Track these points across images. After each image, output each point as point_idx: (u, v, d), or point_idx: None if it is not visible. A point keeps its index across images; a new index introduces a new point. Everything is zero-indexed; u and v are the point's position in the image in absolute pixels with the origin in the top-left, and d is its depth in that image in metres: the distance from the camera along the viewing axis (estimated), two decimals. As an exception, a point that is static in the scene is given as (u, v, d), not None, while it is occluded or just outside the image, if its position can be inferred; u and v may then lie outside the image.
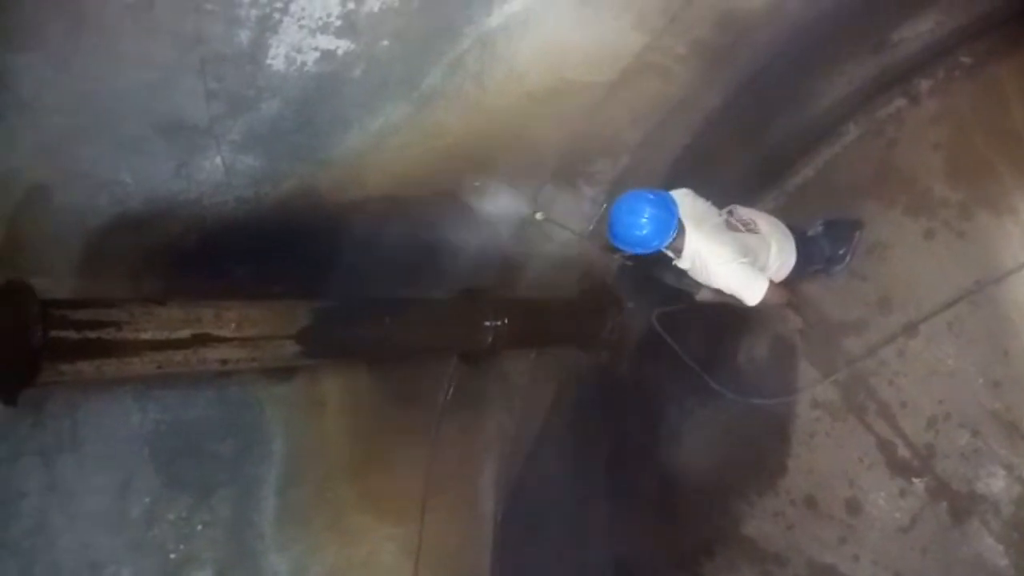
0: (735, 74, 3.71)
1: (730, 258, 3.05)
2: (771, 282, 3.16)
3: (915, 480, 4.10)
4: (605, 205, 3.48)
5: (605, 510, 4.91)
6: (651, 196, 2.92)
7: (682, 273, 3.24)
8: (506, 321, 3.65)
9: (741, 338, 4.62)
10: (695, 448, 4.77)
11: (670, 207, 2.92)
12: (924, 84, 4.16)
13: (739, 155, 4.29)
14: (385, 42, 2.66)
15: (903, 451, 4.12)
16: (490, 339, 3.64)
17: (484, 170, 3.52)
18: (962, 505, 3.96)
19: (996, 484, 3.88)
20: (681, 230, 3.00)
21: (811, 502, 4.38)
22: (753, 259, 3.18)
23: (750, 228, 3.40)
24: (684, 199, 3.20)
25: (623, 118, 3.73)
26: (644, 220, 2.86)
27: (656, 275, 3.41)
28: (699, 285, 3.25)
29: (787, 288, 3.38)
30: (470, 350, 3.73)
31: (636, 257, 3.24)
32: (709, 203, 3.32)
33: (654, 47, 3.28)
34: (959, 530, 3.97)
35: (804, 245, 3.78)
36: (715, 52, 3.49)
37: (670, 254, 3.10)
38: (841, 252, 4.20)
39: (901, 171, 4.22)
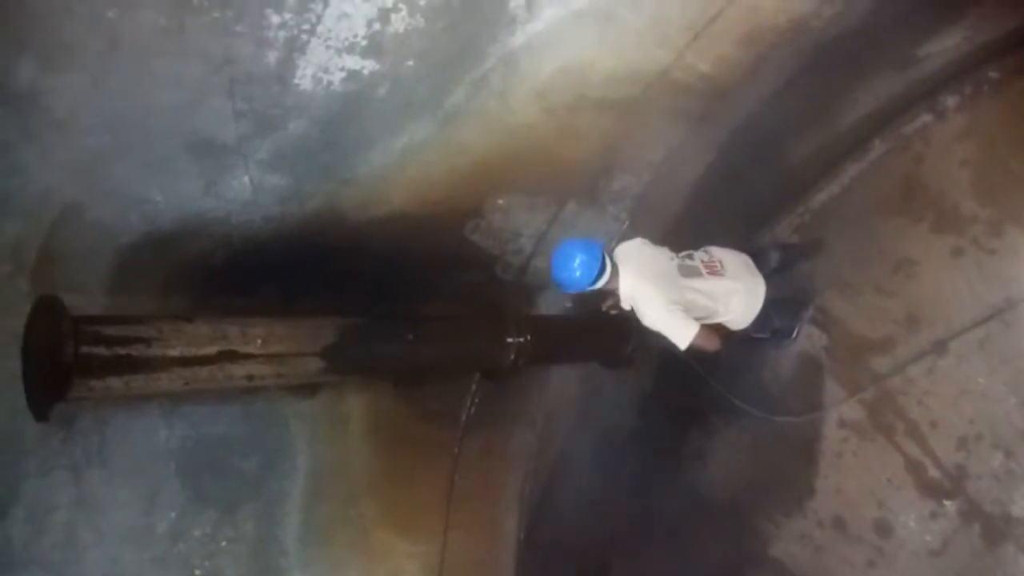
0: (759, 91, 3.70)
1: (658, 304, 3.28)
2: (703, 328, 3.33)
3: (946, 502, 4.01)
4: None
5: (629, 530, 4.86)
6: (580, 244, 3.27)
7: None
8: (529, 338, 3.64)
9: (766, 356, 4.57)
10: (720, 467, 4.71)
11: (596, 253, 3.25)
12: (951, 100, 4.12)
13: (763, 172, 4.27)
14: (410, 62, 2.69)
15: (933, 472, 4.04)
16: (513, 356, 3.63)
17: (507, 188, 3.53)
18: (996, 528, 3.87)
19: (1031, 507, 3.80)
20: (615, 271, 3.30)
21: (839, 523, 4.31)
22: (690, 306, 3.35)
23: (714, 270, 3.54)
24: (631, 247, 3.48)
25: (646, 136, 3.73)
26: (576, 264, 3.22)
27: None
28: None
29: (722, 338, 3.50)
30: (493, 367, 3.72)
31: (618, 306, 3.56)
32: (663, 249, 3.53)
33: (677, 64, 3.28)
34: (993, 554, 3.87)
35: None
36: (738, 69, 3.49)
37: (617, 294, 3.38)
38: (792, 325, 4.37)
39: (928, 187, 4.17)
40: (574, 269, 3.21)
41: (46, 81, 2.16)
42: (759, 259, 3.78)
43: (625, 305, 3.38)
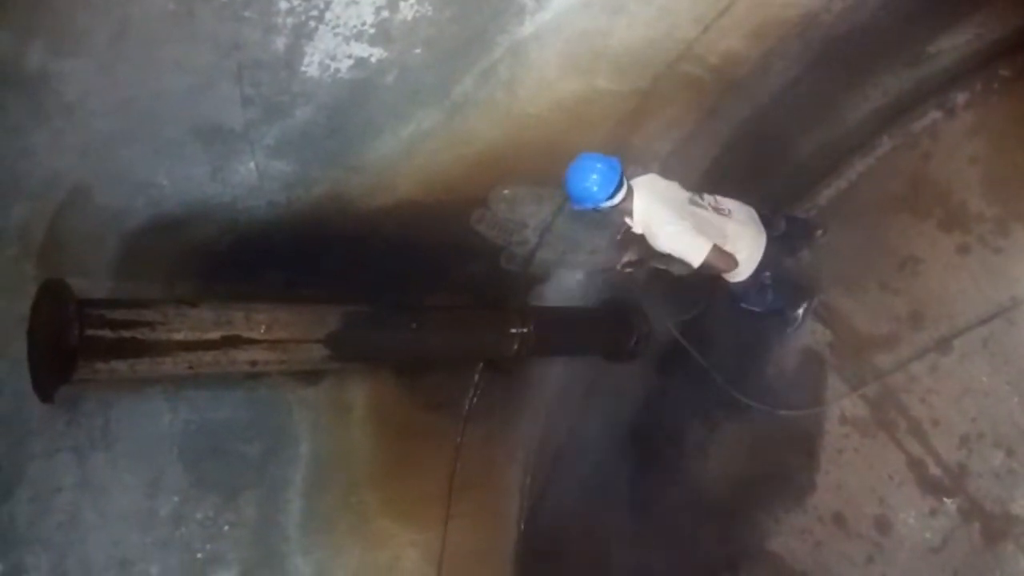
0: (767, 84, 3.69)
1: (671, 219, 3.26)
2: (716, 247, 3.32)
3: (947, 500, 4.01)
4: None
5: (629, 522, 4.87)
6: (600, 157, 3.19)
7: (661, 256, 3.46)
8: (532, 328, 3.65)
9: (770, 351, 4.57)
10: (721, 461, 4.72)
11: (615, 166, 3.18)
12: (961, 97, 4.09)
13: (771, 166, 4.26)
14: (418, 50, 2.68)
15: (934, 469, 4.04)
16: (516, 346, 3.64)
17: (513, 178, 3.53)
18: (996, 527, 3.87)
19: (1031, 506, 3.79)
20: (630, 193, 3.25)
21: (839, 519, 4.31)
22: (702, 228, 3.35)
23: (721, 212, 3.54)
24: (644, 177, 3.45)
25: (654, 127, 3.73)
26: (594, 177, 3.14)
27: (653, 266, 3.66)
28: (673, 260, 3.43)
29: (732, 258, 3.48)
30: (496, 357, 3.73)
31: (635, 263, 3.62)
32: (676, 184, 3.52)
33: (686, 56, 3.27)
34: (992, 553, 3.87)
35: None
36: (747, 63, 3.48)
37: (628, 221, 3.34)
38: (795, 313, 4.34)
39: (935, 184, 4.15)
40: (592, 182, 3.13)
41: (56, 65, 2.17)
42: (767, 224, 3.77)
43: (637, 229, 3.33)
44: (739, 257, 3.54)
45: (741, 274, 3.62)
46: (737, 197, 3.71)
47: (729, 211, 3.58)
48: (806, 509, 4.41)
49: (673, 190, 3.45)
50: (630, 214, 3.30)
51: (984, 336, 3.94)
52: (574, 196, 3.22)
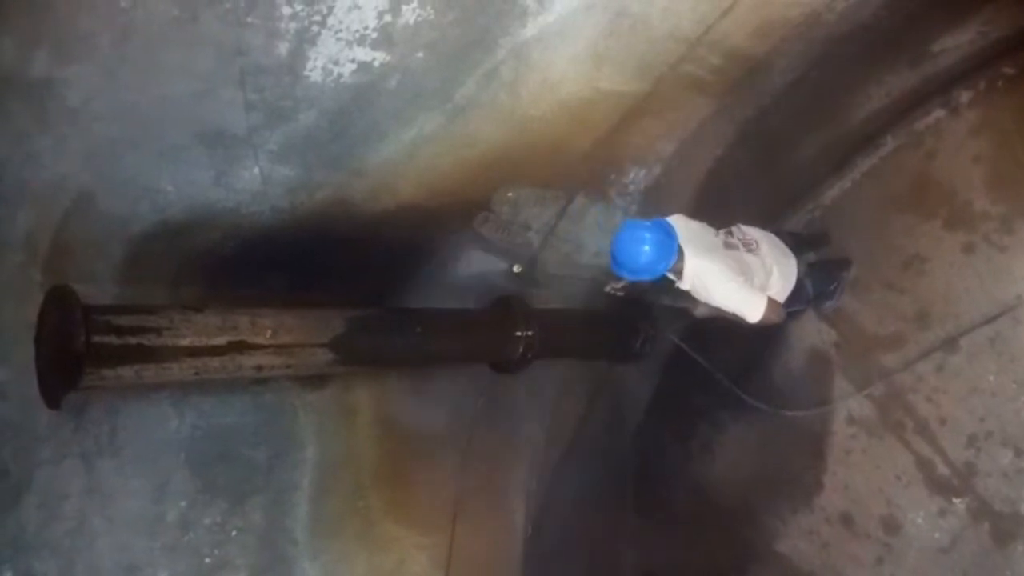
0: (770, 84, 3.69)
1: (729, 277, 3.14)
2: (769, 299, 3.23)
3: (955, 500, 3.99)
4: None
5: (635, 524, 4.86)
6: (648, 223, 3.05)
7: (678, 293, 3.34)
8: (537, 331, 3.65)
9: (775, 352, 4.56)
10: (727, 463, 4.71)
11: (669, 232, 3.06)
12: (964, 95, 4.08)
13: (774, 166, 4.26)
14: (420, 54, 2.69)
15: (942, 469, 4.02)
16: (521, 349, 3.64)
17: (516, 180, 3.53)
18: (1005, 527, 3.85)
19: (1041, 505, 3.78)
20: (680, 253, 3.10)
21: (847, 520, 4.29)
22: (750, 278, 3.26)
23: (750, 248, 3.46)
24: (678, 223, 3.29)
25: (657, 128, 3.72)
26: (646, 248, 2.99)
27: (651, 299, 3.58)
28: (696, 302, 3.33)
29: (781, 308, 3.40)
30: (501, 360, 3.73)
31: (626, 287, 3.47)
32: (704, 224, 3.41)
33: (689, 57, 3.27)
34: (1002, 553, 3.85)
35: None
36: (751, 62, 3.47)
37: (672, 276, 3.20)
38: (831, 288, 4.23)
39: (940, 184, 4.14)
40: (645, 253, 2.97)
41: (60, 71, 2.17)
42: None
43: (685, 285, 3.19)
44: (775, 288, 3.42)
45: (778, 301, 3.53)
46: (740, 196, 3.71)
47: (756, 243, 3.48)
48: (813, 510, 4.39)
49: (705, 232, 3.35)
50: (679, 273, 3.15)
51: (990, 335, 3.92)
52: (629, 270, 3.05)
